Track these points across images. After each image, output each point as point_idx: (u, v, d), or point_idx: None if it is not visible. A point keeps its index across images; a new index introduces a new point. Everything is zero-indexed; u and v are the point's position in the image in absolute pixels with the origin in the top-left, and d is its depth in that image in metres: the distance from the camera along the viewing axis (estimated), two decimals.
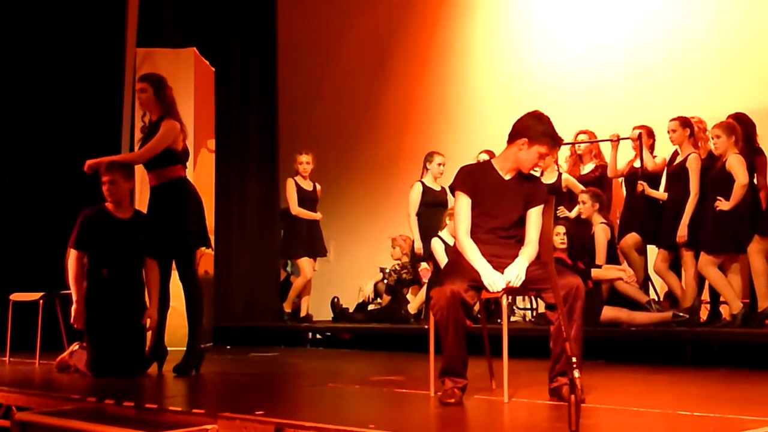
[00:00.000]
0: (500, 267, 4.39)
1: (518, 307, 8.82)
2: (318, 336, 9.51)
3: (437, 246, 8.17)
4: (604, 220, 7.63)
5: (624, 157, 8.05)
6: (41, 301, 6.96)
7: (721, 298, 7.12)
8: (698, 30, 8.54)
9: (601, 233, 7.55)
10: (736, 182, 6.77)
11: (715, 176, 6.98)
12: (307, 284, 9.36)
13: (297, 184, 9.24)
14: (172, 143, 5.91)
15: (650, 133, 7.86)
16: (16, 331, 7.19)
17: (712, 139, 7.02)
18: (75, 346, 6.23)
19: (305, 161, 9.26)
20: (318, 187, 9.40)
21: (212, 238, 7.16)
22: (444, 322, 4.23)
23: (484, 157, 7.84)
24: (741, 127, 6.97)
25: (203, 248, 6.61)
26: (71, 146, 8.93)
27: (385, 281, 9.23)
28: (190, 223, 6.00)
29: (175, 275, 6.07)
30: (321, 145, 10.38)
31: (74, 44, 9.44)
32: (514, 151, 4.54)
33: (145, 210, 6.16)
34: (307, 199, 9.26)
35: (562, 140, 4.78)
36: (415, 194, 8.76)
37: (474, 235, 4.50)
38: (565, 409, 3.18)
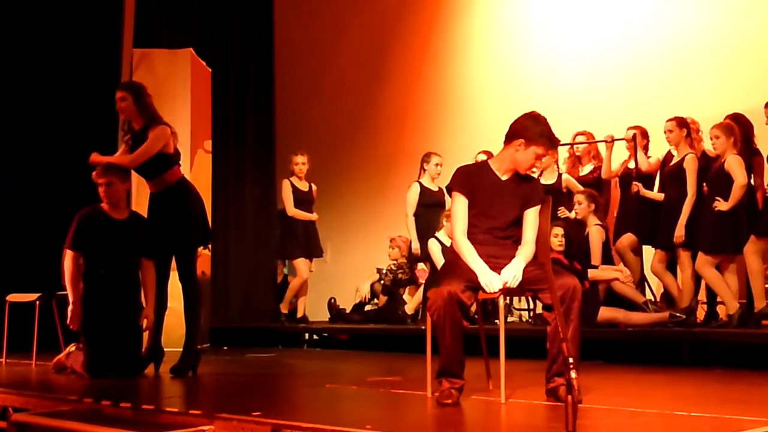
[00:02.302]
0: (497, 267, 4.39)
1: (515, 308, 8.82)
2: (315, 337, 9.51)
3: (434, 247, 8.17)
4: (599, 222, 7.63)
5: (618, 157, 8.06)
6: (38, 302, 6.96)
7: (718, 299, 7.13)
8: (694, 31, 8.56)
9: (595, 234, 7.55)
10: (735, 183, 6.78)
11: (714, 177, 6.98)
12: (304, 285, 9.35)
13: (293, 185, 9.24)
14: (163, 147, 5.91)
15: (644, 134, 7.88)
16: (13, 332, 7.20)
17: (711, 139, 7.02)
18: (72, 347, 6.23)
19: (301, 162, 9.25)
20: (314, 187, 9.39)
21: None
22: (441, 322, 4.23)
23: (482, 157, 7.84)
24: (739, 127, 6.98)
25: (200, 248, 6.62)
26: (68, 147, 8.91)
27: (382, 282, 9.22)
28: (195, 222, 6.02)
29: (173, 276, 6.08)
30: (318, 145, 10.38)
31: (70, 45, 9.43)
32: (511, 151, 4.54)
33: (141, 211, 6.16)
34: (303, 200, 9.26)
35: (559, 141, 4.78)
36: (413, 195, 8.75)
37: (471, 235, 4.50)
38: (562, 409, 3.18)
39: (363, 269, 9.89)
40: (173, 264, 6.08)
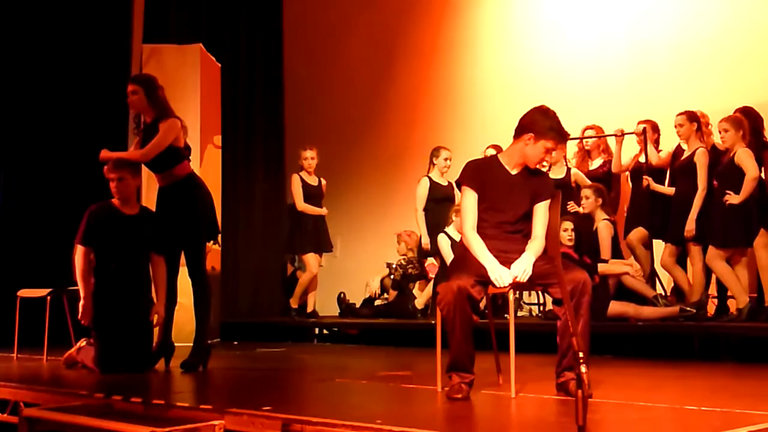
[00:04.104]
0: (507, 262, 4.39)
1: (525, 302, 8.82)
2: (325, 331, 9.52)
3: (443, 242, 8.16)
4: (607, 216, 7.61)
5: (629, 152, 8.04)
6: (49, 298, 6.97)
7: (729, 292, 7.11)
8: (703, 24, 8.53)
9: (604, 229, 7.53)
10: (747, 175, 6.75)
11: (724, 170, 6.96)
12: (313, 280, 9.36)
13: (302, 180, 9.23)
14: (174, 141, 5.92)
15: (655, 128, 7.86)
16: (24, 327, 7.21)
17: (720, 133, 7.00)
18: (82, 342, 6.24)
19: (310, 156, 9.24)
20: (323, 182, 9.39)
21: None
22: (451, 317, 4.24)
23: (491, 151, 7.84)
24: (748, 120, 6.96)
25: (210, 244, 6.63)
26: (78, 142, 8.93)
27: (392, 276, 9.23)
28: (203, 217, 6.03)
29: (183, 271, 6.09)
30: (328, 140, 10.38)
31: (80, 40, 9.45)
32: (520, 146, 4.53)
33: (152, 207, 6.18)
34: (312, 195, 9.25)
35: (569, 135, 4.77)
36: (422, 189, 8.73)
37: (481, 230, 4.50)
38: (572, 404, 3.17)
39: (373, 264, 9.90)
40: (182, 259, 6.10)
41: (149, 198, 6.92)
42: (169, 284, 6.05)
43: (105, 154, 5.92)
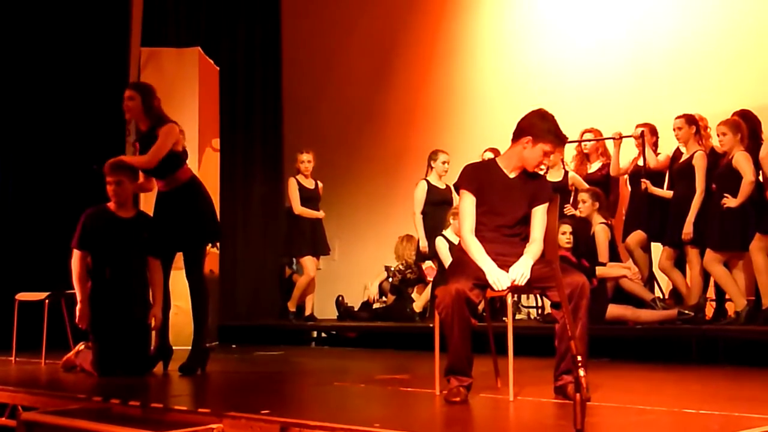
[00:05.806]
0: (505, 265, 4.39)
1: (523, 306, 8.82)
2: (323, 335, 9.52)
3: (441, 245, 8.17)
4: (604, 220, 7.61)
5: (628, 155, 8.05)
6: (47, 301, 6.97)
7: (727, 296, 7.11)
8: (702, 27, 8.54)
9: (601, 233, 7.53)
10: (744, 179, 6.76)
11: (722, 173, 6.97)
12: (311, 283, 9.35)
13: (299, 183, 9.22)
14: (174, 145, 5.93)
15: (653, 131, 7.87)
16: (22, 330, 7.20)
17: (718, 136, 7.01)
18: (80, 346, 6.24)
19: (306, 160, 9.23)
20: (320, 185, 9.37)
21: None
22: (449, 320, 4.23)
23: (489, 155, 7.84)
24: (746, 124, 6.97)
25: (209, 246, 6.64)
26: (75, 146, 8.93)
27: (390, 280, 9.23)
28: (208, 219, 6.04)
29: (179, 274, 6.08)
30: (326, 143, 10.39)
31: (78, 44, 9.43)
32: (518, 149, 4.54)
33: (148, 211, 6.18)
34: (309, 198, 9.24)
35: (567, 138, 4.77)
36: (420, 193, 8.74)
37: (479, 233, 4.50)
38: (570, 407, 3.18)
39: (371, 267, 9.90)
40: (179, 262, 6.10)
41: (147, 201, 6.92)
42: (164, 287, 6.05)
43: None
